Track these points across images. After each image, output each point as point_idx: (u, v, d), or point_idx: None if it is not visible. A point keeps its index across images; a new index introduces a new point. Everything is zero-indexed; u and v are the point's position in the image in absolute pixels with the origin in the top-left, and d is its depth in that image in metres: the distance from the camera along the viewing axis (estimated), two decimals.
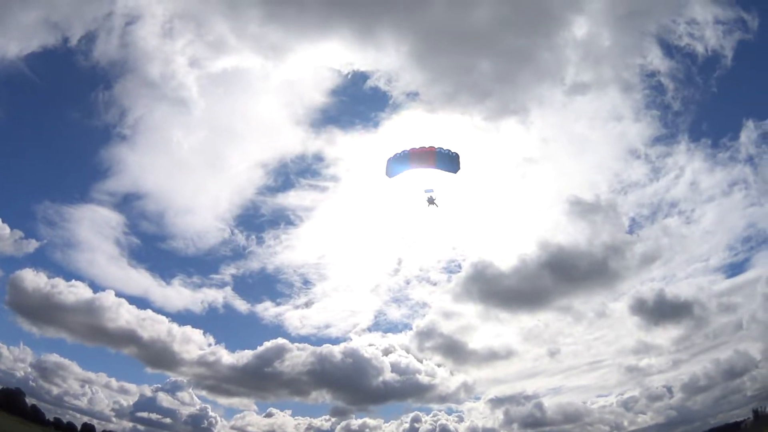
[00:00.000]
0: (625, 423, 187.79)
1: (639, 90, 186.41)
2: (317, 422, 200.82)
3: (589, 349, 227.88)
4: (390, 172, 30.85)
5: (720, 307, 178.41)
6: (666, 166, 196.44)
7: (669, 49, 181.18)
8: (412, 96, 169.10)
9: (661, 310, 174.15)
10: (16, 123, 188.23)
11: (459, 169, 31.11)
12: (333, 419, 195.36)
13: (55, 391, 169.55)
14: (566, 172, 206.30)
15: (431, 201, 31.47)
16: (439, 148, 30.88)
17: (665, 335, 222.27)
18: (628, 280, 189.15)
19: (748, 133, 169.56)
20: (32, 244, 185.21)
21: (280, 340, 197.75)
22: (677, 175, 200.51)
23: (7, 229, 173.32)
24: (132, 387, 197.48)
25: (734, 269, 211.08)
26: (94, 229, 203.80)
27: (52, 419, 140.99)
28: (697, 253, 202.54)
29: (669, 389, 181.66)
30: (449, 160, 31.55)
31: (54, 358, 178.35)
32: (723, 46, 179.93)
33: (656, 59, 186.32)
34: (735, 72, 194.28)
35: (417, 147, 31.64)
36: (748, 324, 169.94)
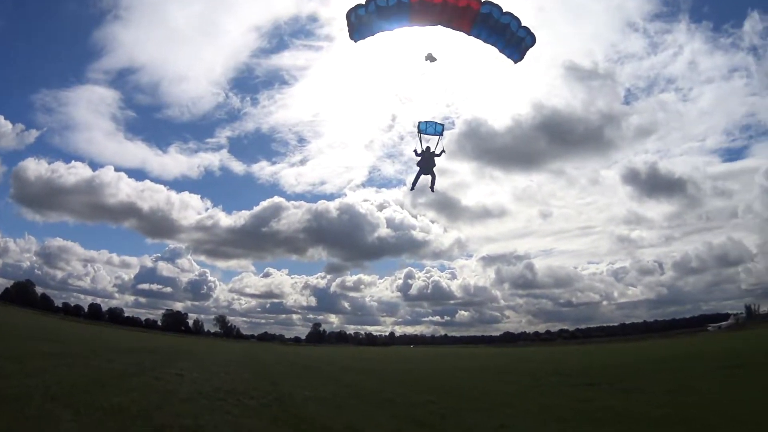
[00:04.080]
0: (615, 294, 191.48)
1: None
2: (313, 280, 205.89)
3: (580, 214, 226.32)
4: (362, 31, 16.41)
5: (715, 190, 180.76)
6: (664, 42, 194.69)
7: None
8: None
9: (653, 183, 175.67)
10: (6, 21, 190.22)
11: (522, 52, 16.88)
12: (328, 276, 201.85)
13: (60, 275, 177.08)
14: (562, 38, 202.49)
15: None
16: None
17: (657, 209, 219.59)
18: (621, 150, 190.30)
19: (753, 23, 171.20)
20: (32, 134, 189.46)
21: (276, 199, 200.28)
22: (676, 52, 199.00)
23: (9, 126, 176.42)
24: (133, 260, 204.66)
25: (731, 154, 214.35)
26: (90, 108, 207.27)
27: (60, 305, 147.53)
28: (693, 133, 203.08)
29: (660, 265, 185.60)
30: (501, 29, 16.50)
31: (57, 242, 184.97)
32: None
33: None
34: None
35: None
36: (744, 213, 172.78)
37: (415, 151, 19.29)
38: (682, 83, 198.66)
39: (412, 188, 19.98)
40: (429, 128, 19.53)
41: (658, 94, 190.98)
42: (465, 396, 20.24)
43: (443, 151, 19.37)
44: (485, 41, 16.48)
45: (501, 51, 16.70)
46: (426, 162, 19.19)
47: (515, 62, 17.01)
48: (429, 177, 19.35)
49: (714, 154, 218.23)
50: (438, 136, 19.49)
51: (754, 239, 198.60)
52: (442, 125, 19.52)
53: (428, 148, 19.33)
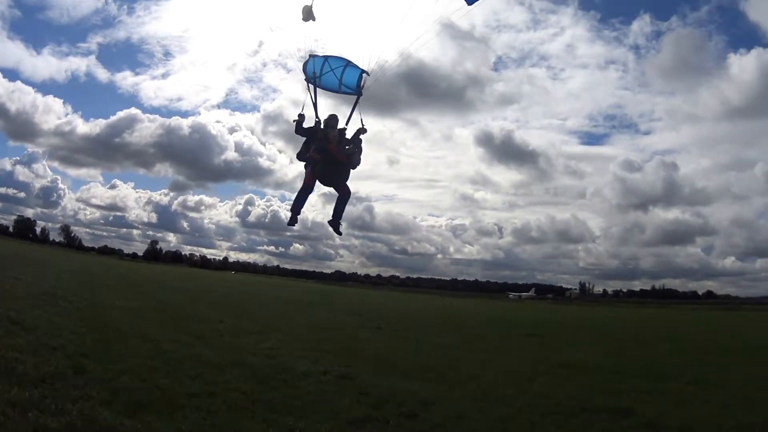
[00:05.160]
0: (451, 249, 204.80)
1: None
2: (157, 196, 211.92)
3: (427, 167, 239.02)
4: None
5: (567, 168, 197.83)
6: (547, 21, 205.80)
7: None
8: None
9: (506, 150, 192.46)
10: None
11: None
12: (172, 194, 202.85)
13: None
14: None
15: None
16: None
17: (506, 175, 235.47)
18: (480, 113, 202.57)
19: (642, 24, 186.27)
20: None
21: (133, 110, 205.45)
22: (556, 33, 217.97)
23: None
24: None
25: (590, 139, 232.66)
26: None
27: None
28: (556, 110, 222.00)
29: (500, 229, 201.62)
30: None
31: None
32: None
33: None
34: None
35: None
36: (592, 196, 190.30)
37: (299, 121, 10.47)
38: (555, 63, 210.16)
39: (292, 221, 10.88)
40: (328, 78, 10.68)
41: (529, 67, 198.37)
42: (254, 320, 23.48)
43: (364, 128, 10.67)
44: None
45: None
46: (334, 155, 10.42)
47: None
48: (329, 192, 11.05)
49: (573, 135, 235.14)
50: (355, 97, 10.73)
51: (599, 222, 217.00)
52: (361, 72, 10.65)
53: (333, 120, 10.64)
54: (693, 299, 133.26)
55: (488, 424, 9.99)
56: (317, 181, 10.62)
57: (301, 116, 10.46)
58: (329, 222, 10.83)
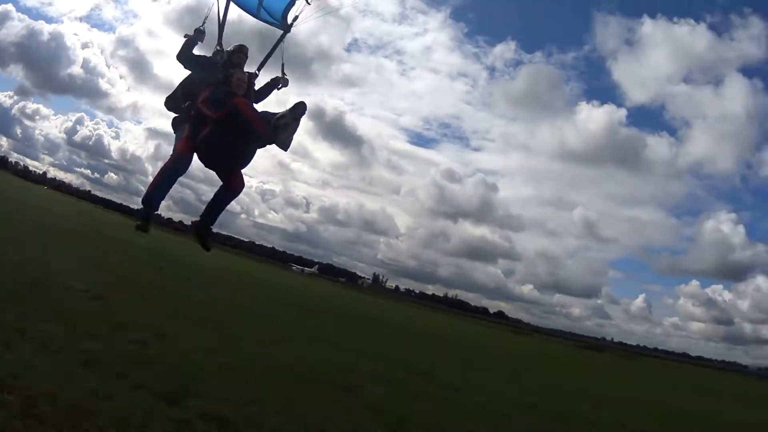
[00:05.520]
0: (257, 212, 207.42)
1: None
2: (2, 97, 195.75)
3: None
4: None
5: (389, 162, 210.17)
6: (414, 20, 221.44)
7: None
8: None
9: (334, 129, 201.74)
10: None
11: None
12: (16, 97, 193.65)
13: None
14: None
15: None
16: None
17: (327, 153, 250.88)
18: (320, 87, 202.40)
19: (506, 51, 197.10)
20: None
21: (9, 7, 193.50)
22: (418, 33, 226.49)
23: None
24: None
25: (419, 140, 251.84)
26: None
27: None
28: (394, 105, 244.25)
29: (308, 204, 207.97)
30: None
31: None
32: None
33: None
34: None
35: None
36: (406, 194, 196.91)
37: (191, 39, 7.14)
38: (408, 60, 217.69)
39: (145, 219, 7.55)
40: None
41: (381, 57, 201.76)
42: (53, 237, 25.56)
43: (284, 77, 7.73)
44: None
45: None
46: (246, 119, 6.44)
47: None
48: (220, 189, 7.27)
49: (404, 132, 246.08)
50: (280, 31, 7.84)
51: (406, 220, 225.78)
52: None
53: (241, 55, 7.35)
54: (483, 315, 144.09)
55: (210, 366, 10.79)
56: (195, 157, 6.72)
57: (199, 33, 7.03)
58: (194, 227, 7.32)
